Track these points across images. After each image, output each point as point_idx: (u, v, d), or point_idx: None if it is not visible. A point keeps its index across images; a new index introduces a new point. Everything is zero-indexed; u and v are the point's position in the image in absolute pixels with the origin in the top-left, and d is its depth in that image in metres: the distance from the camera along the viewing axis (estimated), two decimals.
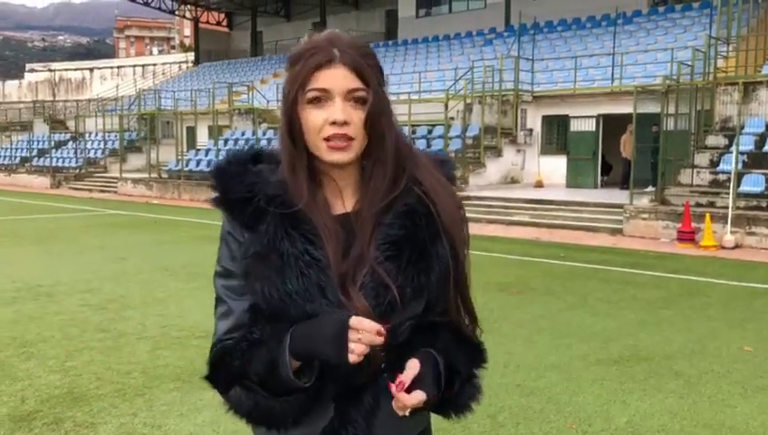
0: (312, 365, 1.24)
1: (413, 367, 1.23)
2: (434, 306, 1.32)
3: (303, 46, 1.28)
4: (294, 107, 1.26)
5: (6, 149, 36.65)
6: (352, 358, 1.16)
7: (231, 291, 1.32)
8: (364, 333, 1.17)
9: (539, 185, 19.01)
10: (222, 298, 1.34)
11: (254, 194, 1.28)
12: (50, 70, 64.26)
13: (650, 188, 15.02)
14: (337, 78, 1.24)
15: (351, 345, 1.17)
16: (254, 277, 1.26)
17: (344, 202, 1.33)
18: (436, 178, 1.34)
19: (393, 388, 1.22)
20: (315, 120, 1.24)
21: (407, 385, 1.22)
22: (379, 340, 1.17)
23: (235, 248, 1.30)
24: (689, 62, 15.94)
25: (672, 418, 4.23)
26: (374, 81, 1.27)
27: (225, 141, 25.11)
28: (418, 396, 1.22)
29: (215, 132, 25.08)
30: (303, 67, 1.26)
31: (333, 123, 1.23)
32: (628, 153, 16.61)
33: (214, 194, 1.31)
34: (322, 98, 1.24)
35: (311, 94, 1.24)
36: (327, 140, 1.24)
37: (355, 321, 1.17)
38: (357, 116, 1.25)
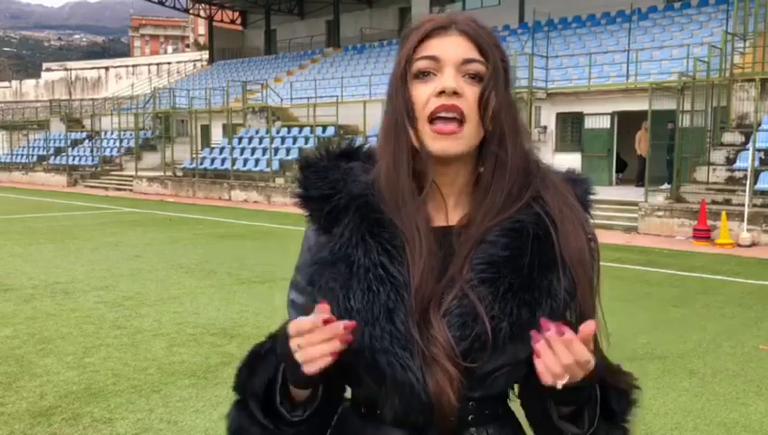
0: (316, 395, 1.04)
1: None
2: None
3: (418, 20, 1.09)
4: (402, 84, 1.05)
5: (24, 147, 37.05)
6: (308, 369, 0.94)
7: (295, 309, 1.15)
8: (307, 336, 0.94)
9: None
10: (288, 312, 1.17)
11: (337, 191, 1.08)
12: (66, 69, 64.82)
13: (666, 186, 14.93)
14: (449, 45, 1.03)
15: (297, 355, 0.95)
16: (317, 288, 1.06)
17: (447, 214, 1.09)
18: (566, 201, 1.07)
19: (551, 328, 0.91)
20: (420, 94, 1.03)
21: (567, 334, 0.92)
22: (337, 336, 0.93)
23: (308, 257, 1.12)
24: (705, 59, 15.81)
25: (686, 416, 4.22)
26: (496, 58, 1.05)
27: (240, 139, 25.24)
28: (586, 355, 0.93)
29: (229, 131, 25.21)
30: (414, 38, 1.06)
31: (441, 93, 1.01)
32: (644, 150, 16.51)
33: (296, 189, 1.13)
34: (432, 69, 1.03)
35: (417, 65, 1.04)
36: (432, 121, 1.02)
37: (291, 327, 0.96)
38: (471, 92, 1.02)
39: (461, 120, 1.02)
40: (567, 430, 1.03)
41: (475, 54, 1.03)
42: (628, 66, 19.13)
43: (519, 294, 1.01)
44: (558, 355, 0.92)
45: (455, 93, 1.01)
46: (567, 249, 1.03)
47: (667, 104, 15.46)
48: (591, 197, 1.14)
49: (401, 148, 1.05)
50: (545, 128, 20.20)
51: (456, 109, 1.01)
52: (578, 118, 19.71)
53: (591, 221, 1.12)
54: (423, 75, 1.04)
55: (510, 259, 1.02)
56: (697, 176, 14.21)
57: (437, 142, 1.02)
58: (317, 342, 0.93)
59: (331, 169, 1.11)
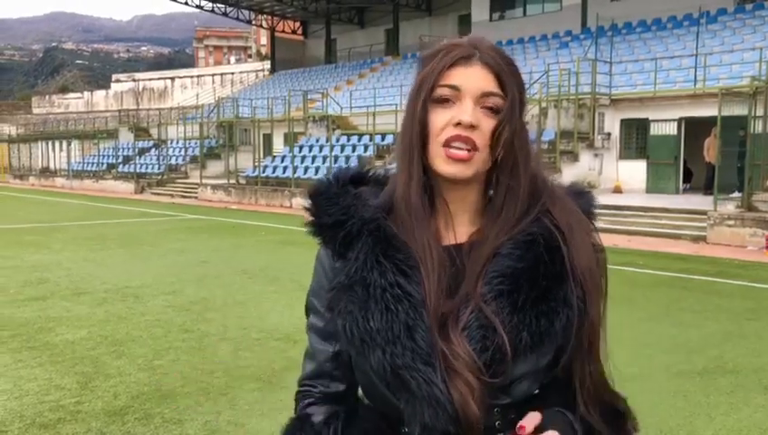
0: None
1: (533, 415, 1.04)
2: (563, 363, 1.09)
3: (441, 44, 1.13)
4: (421, 106, 1.09)
5: (94, 156, 38.50)
6: None
7: (315, 332, 1.18)
8: None
9: (617, 190, 18.55)
10: (309, 335, 1.20)
11: (349, 217, 1.12)
12: (134, 80, 67.17)
13: (736, 194, 14.43)
14: (471, 77, 1.07)
15: None
16: (336, 312, 1.09)
17: (455, 232, 1.13)
18: (573, 213, 1.12)
19: None
20: (437, 119, 1.07)
21: (529, 430, 1.02)
22: None
23: (324, 282, 1.16)
24: None
25: (762, 434, 4.07)
26: (514, 91, 1.09)
27: (300, 148, 25.62)
28: None
29: (290, 139, 25.60)
30: (438, 64, 1.09)
31: (458, 124, 1.06)
32: (712, 157, 16.00)
33: (308, 217, 1.17)
34: (451, 97, 1.07)
35: (438, 92, 1.08)
36: (446, 146, 1.06)
37: None
38: (487, 124, 1.07)
39: (473, 149, 1.06)
40: None
41: (494, 88, 1.07)
42: (695, 71, 18.60)
43: (537, 305, 1.05)
44: None
45: (471, 126, 1.05)
46: (577, 259, 1.08)
47: (737, 110, 14.94)
48: (595, 208, 1.20)
49: (415, 165, 1.09)
50: (609, 134, 19.81)
51: (470, 141, 1.06)
52: (643, 124, 19.26)
53: (596, 232, 1.16)
54: (443, 101, 1.08)
55: (526, 271, 1.06)
56: None
57: (449, 166, 1.07)
58: None
59: (342, 195, 1.14)
